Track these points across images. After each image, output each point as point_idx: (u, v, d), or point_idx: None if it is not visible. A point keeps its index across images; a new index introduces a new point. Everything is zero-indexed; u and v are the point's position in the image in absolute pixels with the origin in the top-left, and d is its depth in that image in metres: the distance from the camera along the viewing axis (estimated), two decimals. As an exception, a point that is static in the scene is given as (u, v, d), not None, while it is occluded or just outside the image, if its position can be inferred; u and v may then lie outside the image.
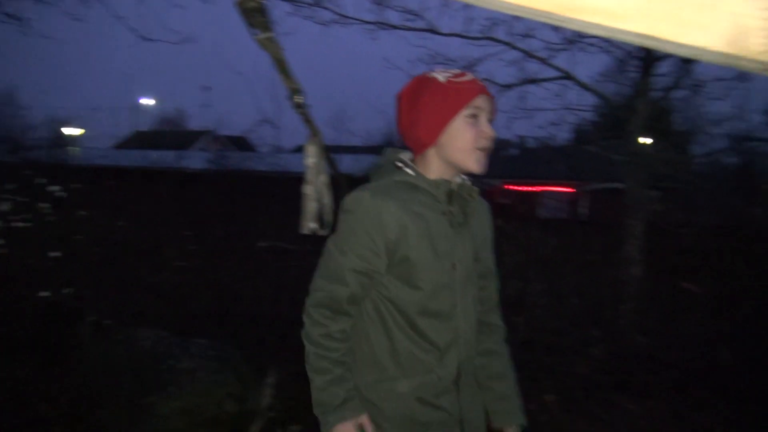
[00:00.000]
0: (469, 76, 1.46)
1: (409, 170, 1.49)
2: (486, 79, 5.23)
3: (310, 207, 1.93)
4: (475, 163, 1.43)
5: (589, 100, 5.35)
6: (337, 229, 1.49)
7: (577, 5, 0.51)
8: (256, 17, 1.22)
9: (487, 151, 1.44)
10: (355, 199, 1.45)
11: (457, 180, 1.50)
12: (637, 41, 0.52)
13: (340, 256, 1.44)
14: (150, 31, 4.98)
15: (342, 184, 2.32)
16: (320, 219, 1.91)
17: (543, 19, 0.56)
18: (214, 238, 5.09)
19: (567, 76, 4.85)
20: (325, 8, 5.09)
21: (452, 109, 1.42)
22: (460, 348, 1.48)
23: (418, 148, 1.49)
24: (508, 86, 5.12)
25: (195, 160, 10.83)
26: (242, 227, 5.43)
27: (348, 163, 8.53)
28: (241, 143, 21.16)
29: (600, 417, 3.52)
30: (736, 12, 0.46)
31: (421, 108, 1.44)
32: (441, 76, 1.46)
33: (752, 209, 5.27)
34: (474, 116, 1.43)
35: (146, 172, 8.26)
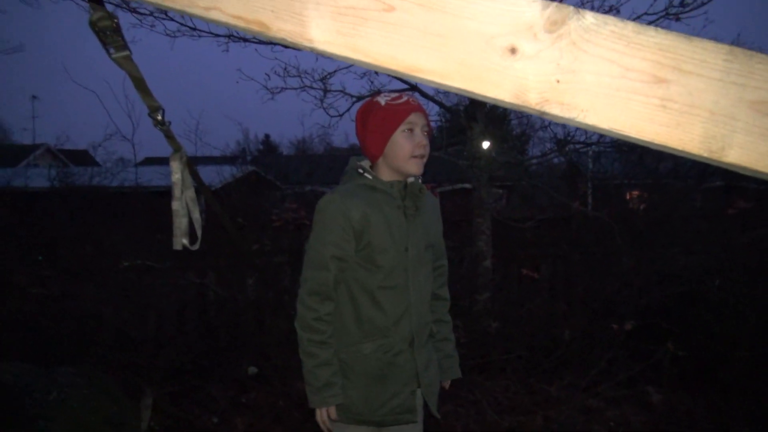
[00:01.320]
0: (404, 99, 1.80)
1: (368, 175, 1.82)
2: (340, 91, 5.47)
3: (180, 223, 1.97)
4: (414, 167, 1.78)
5: (435, 110, 5.77)
6: (314, 226, 1.79)
7: (417, 68, 0.71)
8: (110, 36, 1.20)
9: (423, 158, 1.79)
10: (327, 200, 1.78)
11: (410, 180, 1.85)
12: (462, 93, 0.72)
13: (321, 247, 1.75)
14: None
15: (208, 197, 2.37)
16: (191, 234, 1.96)
17: (393, 75, 0.75)
18: (69, 261, 4.76)
19: (413, 88, 5.21)
20: (171, 19, 4.96)
21: (391, 127, 1.75)
22: (412, 316, 1.81)
23: (371, 158, 1.84)
24: (360, 98, 5.37)
25: (36, 178, 9.90)
26: (99, 247, 5.12)
27: (210, 175, 8.35)
28: (81, 158, 19.52)
29: (466, 398, 3.86)
30: (519, 77, 0.68)
31: (369, 127, 1.79)
32: (382, 100, 1.80)
33: (573, 203, 6.00)
34: (410, 130, 1.76)
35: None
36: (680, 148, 0.64)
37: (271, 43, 5.09)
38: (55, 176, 9.35)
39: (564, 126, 5.45)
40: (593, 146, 5.73)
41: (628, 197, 7.09)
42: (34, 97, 28.67)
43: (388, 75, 4.85)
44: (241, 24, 0.73)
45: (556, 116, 0.67)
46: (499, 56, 0.67)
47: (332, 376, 1.75)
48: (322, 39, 0.71)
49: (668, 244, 4.88)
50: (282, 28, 0.72)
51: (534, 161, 6.41)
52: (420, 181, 1.89)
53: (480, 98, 0.70)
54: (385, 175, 1.84)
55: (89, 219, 6.38)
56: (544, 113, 0.67)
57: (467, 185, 6.46)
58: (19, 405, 2.59)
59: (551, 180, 8.77)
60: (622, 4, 4.67)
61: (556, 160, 8.90)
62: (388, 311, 1.77)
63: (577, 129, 5.26)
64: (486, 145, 5.10)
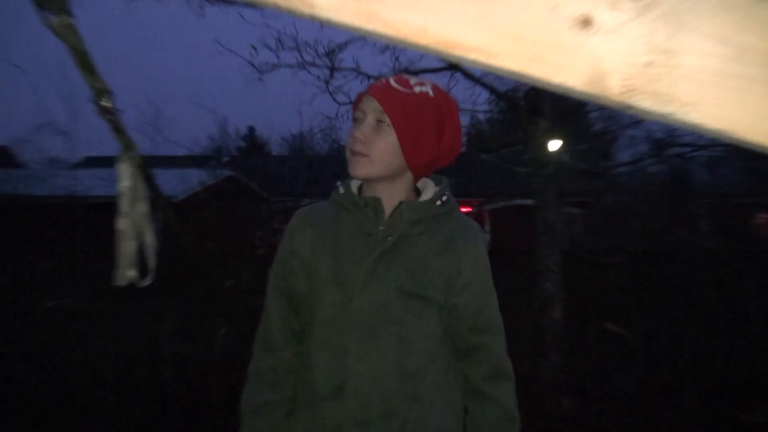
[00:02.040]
0: (378, 82, 1.76)
1: (340, 188, 1.82)
2: (352, 70, 5.54)
3: (127, 248, 2.01)
4: (350, 167, 1.72)
5: (483, 96, 5.80)
6: None
7: (455, 43, 0.73)
8: None
9: (357, 155, 1.70)
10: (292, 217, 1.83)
11: (402, 197, 1.77)
12: (511, 76, 0.75)
13: (270, 278, 1.81)
14: None
15: (168, 213, 2.42)
16: (140, 264, 2.00)
17: (423, 51, 0.78)
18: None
19: (452, 67, 5.24)
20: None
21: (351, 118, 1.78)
22: (349, 398, 1.66)
23: None
24: (377, 78, 5.42)
25: None
26: (17, 278, 5.21)
27: (172, 182, 8.47)
28: (1, 157, 19.95)
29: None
30: (594, 57, 0.70)
31: None
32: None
33: (679, 229, 5.94)
34: (356, 120, 1.75)
35: None
36: (819, 157, 0.65)
37: (260, 4, 5.19)
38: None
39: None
40: (706, 150, 5.69)
41: (758, 223, 7.00)
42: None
43: (421, 52, 4.92)
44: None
45: (647, 111, 0.69)
46: (567, 29, 0.69)
47: None
48: (327, 3, 0.74)
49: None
50: (274, -13, 0.75)
51: (622, 169, 6.38)
52: (444, 201, 1.77)
53: (540, 84, 0.72)
54: (373, 187, 1.79)
55: (6, 239, 6.50)
56: (629, 106, 0.69)
57: (528, 201, 6.45)
58: None
59: (648, 196, 8.70)
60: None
61: (653, 169, 8.84)
62: (318, 381, 1.69)
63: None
64: (555, 146, 5.10)
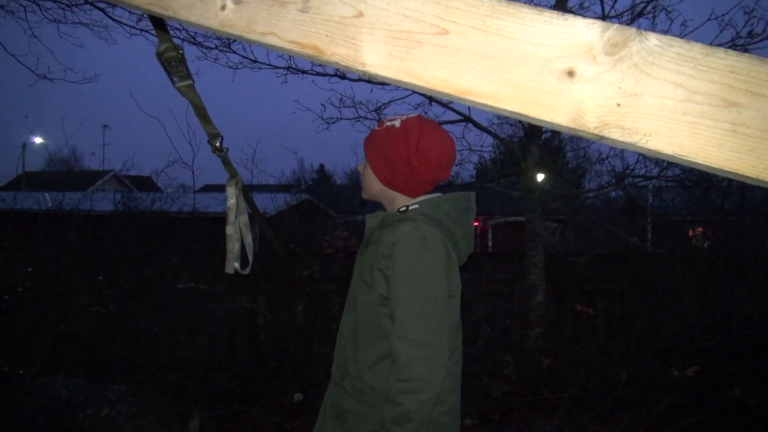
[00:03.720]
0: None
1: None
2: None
3: (233, 247, 2.00)
4: None
5: (488, 141, 5.76)
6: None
7: (470, 91, 0.69)
8: (175, 66, 1.28)
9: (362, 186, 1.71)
10: None
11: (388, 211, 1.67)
12: (514, 116, 0.71)
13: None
14: (49, 70, 4.90)
15: (261, 223, 2.41)
16: (243, 258, 1.99)
17: (441, 97, 0.74)
18: (127, 282, 4.93)
19: (467, 119, 5.20)
20: (234, 52, 5.18)
21: None
22: (338, 350, 1.69)
23: None
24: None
25: (102, 201, 10.38)
26: (157, 269, 5.29)
27: (264, 202, 8.54)
28: (145, 184, 20.37)
29: (515, 436, 3.74)
30: (577, 100, 0.66)
31: None
32: None
33: (632, 238, 5.79)
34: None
35: (49, 215, 7.83)
36: (753, 175, 0.60)
37: (328, 74, 5.23)
38: (120, 200, 9.79)
39: (622, 158, 5.31)
40: (654, 180, 5.53)
41: (691, 234, 6.79)
42: (105, 125, 30.37)
43: (441, 99, 4.87)
44: (296, 48, 0.74)
45: (616, 141, 0.64)
46: (556, 79, 0.65)
47: None
48: (375, 62, 0.71)
49: (735, 285, 4.62)
50: (336, 52, 0.72)
51: (590, 194, 6.25)
52: (401, 211, 1.60)
53: (535, 122, 0.68)
54: (383, 205, 1.73)
55: (149, 242, 6.62)
56: (602, 138, 0.65)
57: (521, 218, 6.35)
58: (72, 420, 2.67)
59: (609, 214, 8.51)
60: (685, 35, 4.57)
61: (614, 194, 8.66)
62: (337, 336, 1.72)
63: (637, 162, 5.11)
64: (540, 177, 5.02)
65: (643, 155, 4.95)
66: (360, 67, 0.72)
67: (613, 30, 0.63)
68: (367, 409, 1.52)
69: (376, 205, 1.78)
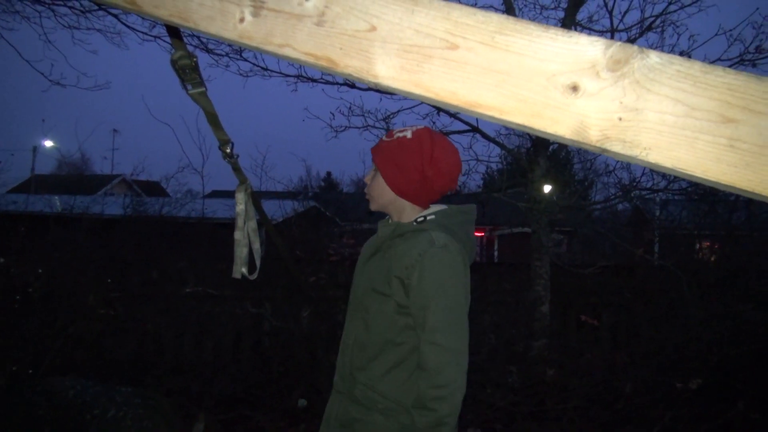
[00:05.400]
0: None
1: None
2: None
3: (241, 252, 2.02)
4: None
5: (496, 151, 5.78)
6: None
7: (477, 103, 0.72)
8: (189, 74, 1.29)
9: (367, 195, 1.72)
10: None
11: (405, 219, 1.67)
12: (519, 128, 0.73)
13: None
14: (61, 76, 4.97)
15: (269, 229, 2.44)
16: (250, 264, 2.00)
17: (450, 108, 0.77)
18: (135, 285, 4.97)
19: (475, 130, 5.22)
20: (245, 60, 5.24)
21: None
22: (342, 359, 1.67)
23: None
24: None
25: (110, 205, 10.46)
26: (164, 273, 5.33)
27: (272, 208, 8.57)
28: (153, 189, 20.48)
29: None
30: (580, 114, 0.68)
31: None
32: None
33: (637, 250, 5.77)
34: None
35: (59, 218, 7.90)
36: (749, 189, 0.62)
37: (338, 83, 5.28)
38: (128, 205, 9.87)
39: (629, 171, 5.32)
40: (660, 193, 5.53)
41: (698, 248, 6.76)
42: (114, 130, 30.56)
43: (449, 111, 4.90)
44: (311, 60, 0.77)
45: (617, 154, 0.67)
46: (560, 93, 0.68)
47: None
48: (386, 75, 0.74)
49: (741, 299, 4.61)
50: (349, 64, 0.75)
51: (597, 206, 6.25)
52: (418, 221, 1.63)
53: (539, 134, 0.70)
54: (390, 214, 1.73)
55: (157, 246, 6.67)
56: (604, 150, 0.67)
57: (527, 229, 6.36)
58: (79, 420, 2.70)
59: (615, 227, 8.49)
60: (693, 50, 4.58)
61: (620, 207, 8.65)
62: (340, 345, 1.72)
63: (643, 175, 5.12)
64: (547, 188, 5.02)
65: (650, 168, 4.96)
66: (372, 79, 0.75)
67: (616, 47, 0.66)
68: (379, 418, 1.53)
69: (384, 216, 1.79)
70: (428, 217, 1.63)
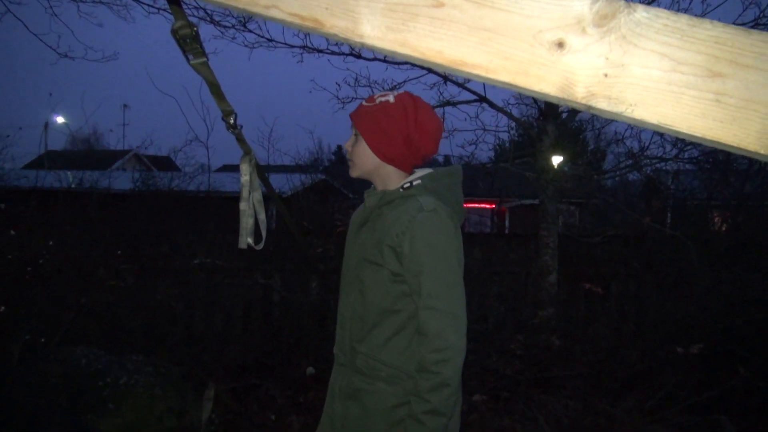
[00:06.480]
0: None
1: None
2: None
3: (246, 223, 2.03)
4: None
5: (504, 121, 5.73)
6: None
7: (463, 62, 0.71)
8: (190, 44, 1.26)
9: (348, 161, 1.70)
10: None
11: (390, 186, 1.65)
12: (506, 87, 0.73)
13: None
14: (68, 48, 4.98)
15: (275, 200, 2.45)
16: (256, 234, 2.02)
17: (440, 69, 0.76)
18: (145, 258, 5.04)
19: (482, 99, 5.16)
20: (250, 31, 5.19)
21: None
22: (342, 332, 1.67)
23: None
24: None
25: (120, 180, 10.54)
26: (173, 246, 5.39)
27: (280, 182, 8.60)
28: (164, 163, 20.54)
29: (524, 413, 3.78)
30: (566, 70, 0.68)
31: None
32: None
33: (644, 219, 5.74)
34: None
35: (70, 192, 7.98)
36: (735, 144, 0.62)
37: (344, 53, 5.23)
38: (138, 179, 9.93)
39: (639, 140, 5.25)
40: (670, 162, 5.47)
41: (710, 218, 6.70)
42: (124, 105, 30.62)
43: (455, 78, 4.84)
44: (297, 21, 0.76)
45: (603, 110, 0.66)
46: (546, 50, 0.67)
47: None
48: (372, 34, 0.73)
49: (751, 268, 4.58)
50: (335, 24, 0.74)
51: (606, 176, 6.20)
52: (405, 187, 1.60)
53: (526, 92, 0.70)
54: (373, 181, 1.71)
55: (166, 219, 6.73)
56: (590, 107, 0.66)
57: (535, 201, 6.33)
58: (92, 388, 2.77)
59: (626, 197, 8.42)
60: (706, 13, 4.48)
61: (631, 177, 8.56)
62: (338, 318, 1.72)
63: (654, 143, 5.06)
64: (557, 159, 4.99)
65: (660, 135, 4.90)
66: (358, 39, 0.74)
67: (602, 2, 0.65)
68: (383, 386, 1.55)
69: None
70: (414, 182, 1.61)
